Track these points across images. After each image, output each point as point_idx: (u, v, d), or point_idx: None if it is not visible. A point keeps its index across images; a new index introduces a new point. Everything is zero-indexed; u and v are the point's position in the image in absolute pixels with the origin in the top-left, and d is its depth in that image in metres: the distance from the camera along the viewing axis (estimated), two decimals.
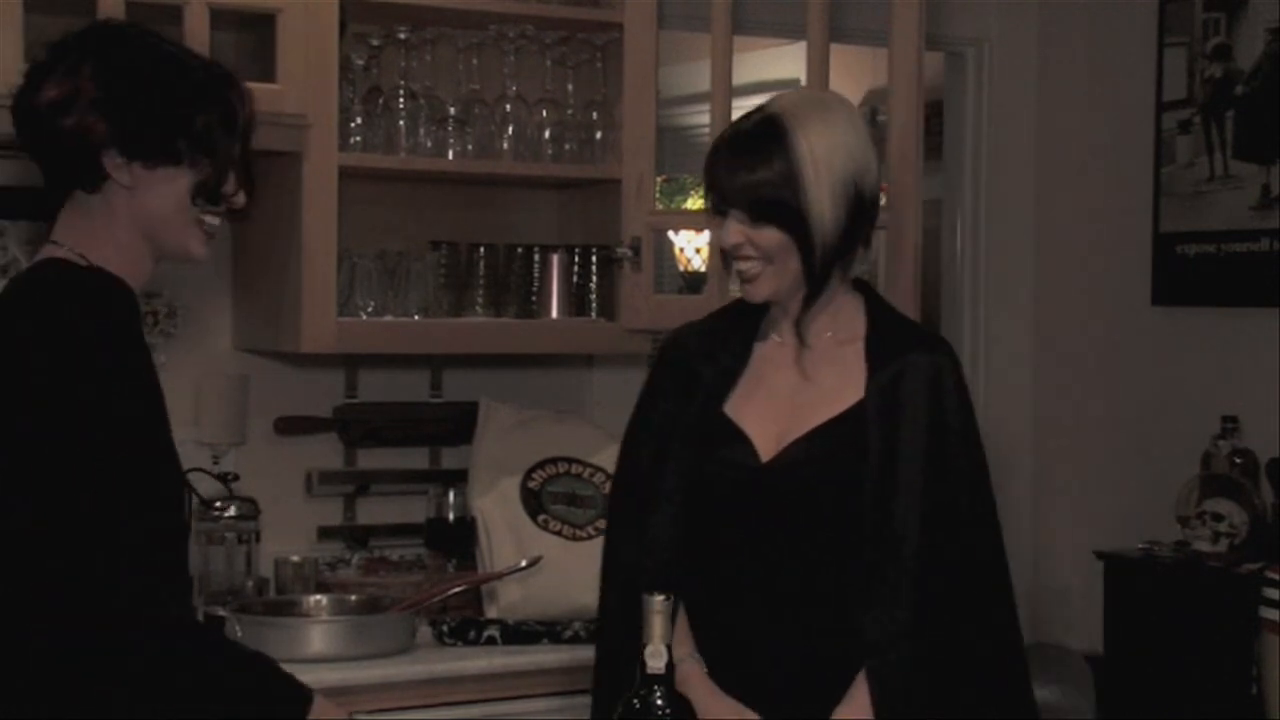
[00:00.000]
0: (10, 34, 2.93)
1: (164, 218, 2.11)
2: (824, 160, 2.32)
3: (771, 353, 2.45)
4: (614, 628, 2.47)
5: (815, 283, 2.37)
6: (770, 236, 2.34)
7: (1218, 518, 4.01)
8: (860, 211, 2.36)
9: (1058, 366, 4.72)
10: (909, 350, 2.38)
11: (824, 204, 2.33)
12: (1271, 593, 3.35)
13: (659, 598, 2.19)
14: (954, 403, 2.36)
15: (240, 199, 2.16)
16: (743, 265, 2.37)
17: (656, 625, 2.19)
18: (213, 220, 2.15)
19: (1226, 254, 4.23)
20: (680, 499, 2.41)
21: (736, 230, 2.35)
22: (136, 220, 2.11)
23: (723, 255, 2.43)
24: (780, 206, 2.32)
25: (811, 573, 2.34)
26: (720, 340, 2.48)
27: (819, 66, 3.42)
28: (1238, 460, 4.08)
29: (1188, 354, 4.37)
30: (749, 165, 2.33)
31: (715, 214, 2.39)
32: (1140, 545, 4.14)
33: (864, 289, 2.47)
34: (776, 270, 2.36)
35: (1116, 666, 4.16)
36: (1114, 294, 4.58)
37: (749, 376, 2.45)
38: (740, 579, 2.38)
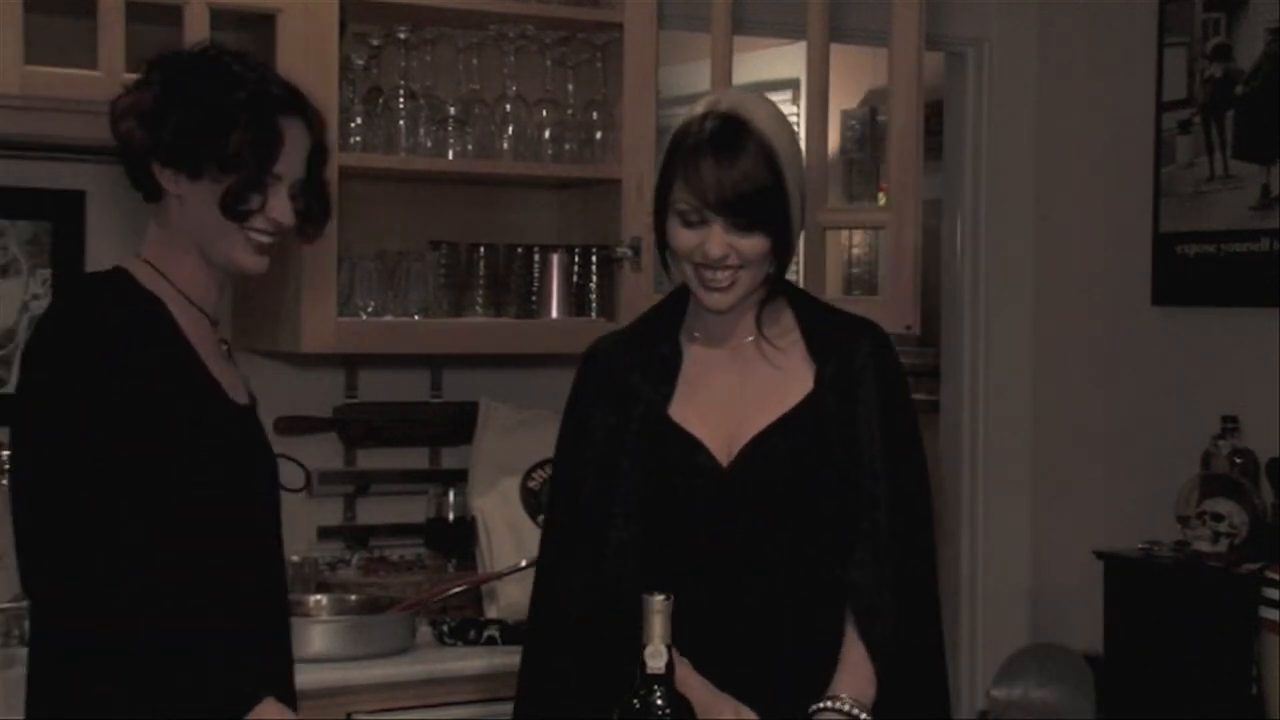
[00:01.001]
0: (10, 34, 2.94)
1: (208, 228, 2.19)
2: (790, 156, 2.33)
3: (703, 354, 2.42)
4: (542, 658, 2.41)
5: (779, 281, 2.39)
6: (756, 244, 2.31)
7: (1218, 518, 4.00)
8: (806, 205, 2.39)
9: (1058, 366, 4.72)
10: (845, 337, 2.41)
11: (798, 204, 2.34)
12: (1271, 593, 3.36)
13: (659, 597, 2.18)
14: (896, 380, 2.43)
15: (284, 217, 2.22)
16: (721, 274, 2.32)
17: (656, 625, 2.19)
18: (260, 235, 2.21)
19: (1226, 254, 4.23)
20: (638, 512, 2.36)
21: (722, 241, 2.30)
22: (189, 230, 2.21)
23: (692, 266, 2.33)
24: (769, 210, 2.30)
25: (785, 568, 2.34)
26: (646, 347, 2.44)
27: (819, 66, 3.42)
28: (1238, 460, 4.08)
29: (1188, 354, 4.37)
30: (740, 164, 2.28)
31: (685, 226, 2.32)
32: (1140, 545, 4.14)
33: (784, 283, 2.45)
34: (749, 276, 2.34)
35: (1116, 666, 4.16)
36: (1114, 294, 4.57)
37: (685, 380, 2.41)
38: (713, 584, 2.35)
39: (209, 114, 2.15)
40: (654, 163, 3.51)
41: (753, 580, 2.35)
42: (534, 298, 3.63)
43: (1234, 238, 4.20)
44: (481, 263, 3.61)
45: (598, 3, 3.64)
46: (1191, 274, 4.33)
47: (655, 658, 2.19)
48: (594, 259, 3.64)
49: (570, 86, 3.63)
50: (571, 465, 2.44)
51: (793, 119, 6.20)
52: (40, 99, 2.97)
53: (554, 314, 3.61)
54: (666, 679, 2.20)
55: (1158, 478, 4.30)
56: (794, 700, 2.33)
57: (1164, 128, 4.40)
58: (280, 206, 2.21)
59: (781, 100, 6.23)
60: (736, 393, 2.39)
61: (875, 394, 2.38)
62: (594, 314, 3.64)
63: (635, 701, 2.20)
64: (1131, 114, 4.50)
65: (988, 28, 4.66)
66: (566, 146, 3.61)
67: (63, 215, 3.39)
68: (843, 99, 6.06)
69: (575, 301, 3.64)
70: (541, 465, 3.49)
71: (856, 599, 2.33)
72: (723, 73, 3.44)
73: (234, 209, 2.17)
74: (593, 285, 3.65)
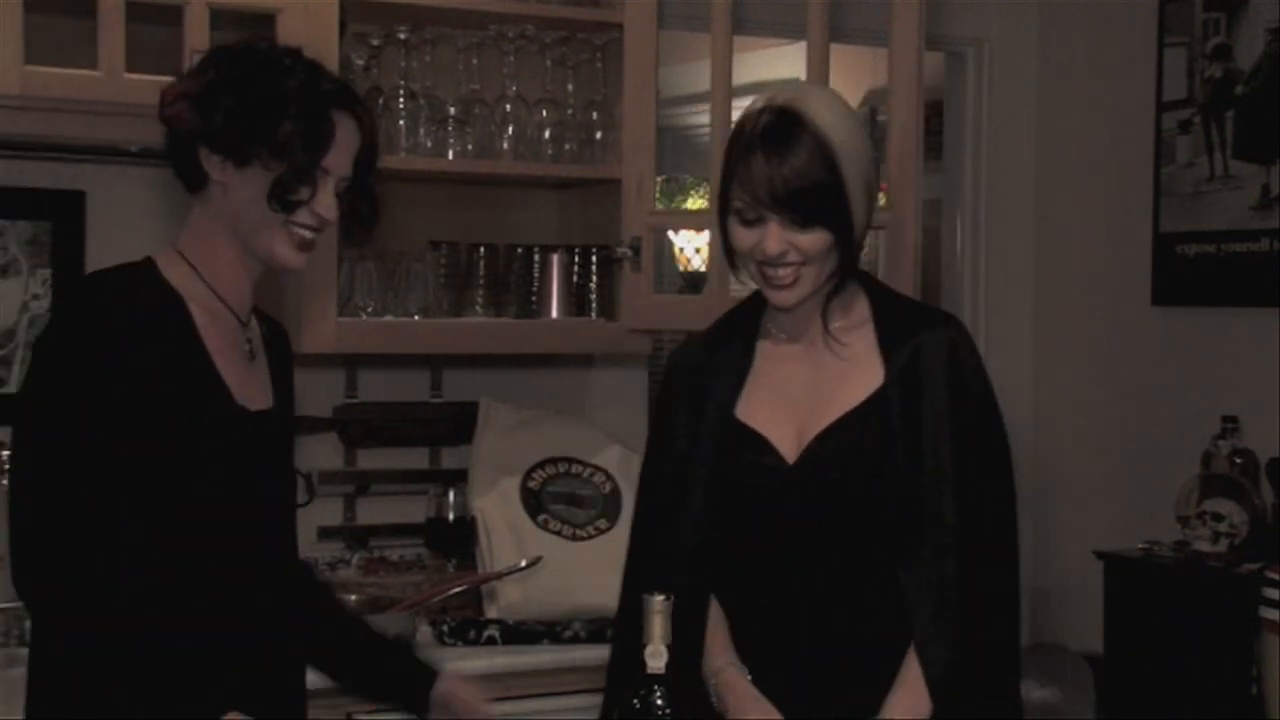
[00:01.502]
0: (10, 34, 2.93)
1: (250, 219, 2.16)
2: (851, 148, 2.28)
3: (776, 351, 2.41)
4: (627, 655, 2.40)
5: (846, 276, 2.34)
6: (817, 239, 2.27)
7: (1218, 518, 4.00)
8: (874, 199, 2.34)
9: (1058, 366, 4.72)
10: (919, 329, 2.34)
11: (859, 195, 2.29)
12: (1271, 593, 3.35)
13: (659, 598, 2.18)
14: (971, 374, 2.35)
15: (329, 212, 2.19)
16: (783, 271, 2.29)
17: (656, 625, 2.19)
18: (303, 230, 2.18)
19: (1226, 254, 4.23)
20: (709, 516, 2.36)
21: (779, 238, 2.27)
22: (229, 220, 2.17)
23: (755, 264, 2.31)
24: (826, 206, 2.26)
25: (845, 569, 2.31)
26: (721, 348, 2.44)
27: (819, 66, 3.42)
28: (1238, 460, 4.08)
29: (1188, 354, 4.37)
30: (791, 161, 2.25)
31: (744, 224, 2.30)
32: (1140, 545, 4.14)
33: (859, 275, 2.42)
34: (813, 272, 2.30)
35: (1116, 666, 4.16)
36: (1114, 294, 4.57)
37: (756, 377, 2.40)
38: (780, 582, 2.34)
39: (261, 100, 2.12)
40: (654, 163, 3.53)
41: (812, 580, 2.32)
42: (534, 298, 3.63)
43: (1234, 238, 4.20)
44: (481, 263, 3.61)
45: (598, 3, 3.64)
46: (1191, 274, 4.33)
47: (655, 658, 2.19)
48: (594, 259, 3.64)
49: (570, 86, 3.63)
50: (650, 472, 2.46)
51: None
52: (40, 99, 2.96)
53: (554, 314, 3.61)
54: (666, 679, 2.19)
55: (1158, 478, 4.30)
56: (848, 703, 2.30)
57: (1164, 128, 4.40)
58: (326, 201, 2.18)
59: None
60: (808, 388, 2.36)
61: (946, 390, 2.32)
62: (594, 314, 3.64)
63: (635, 701, 2.20)
64: (1131, 114, 4.50)
65: (988, 28, 4.66)
66: (566, 146, 3.61)
67: (63, 215, 3.40)
68: None
69: (575, 301, 3.64)
70: (541, 465, 3.49)
71: (917, 613, 2.27)
72: (723, 73, 3.44)
73: (282, 198, 2.14)
74: (593, 285, 3.65)
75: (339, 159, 2.18)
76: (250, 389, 2.22)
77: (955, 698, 2.27)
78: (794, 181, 2.25)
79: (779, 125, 2.27)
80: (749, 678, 2.35)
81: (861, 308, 2.39)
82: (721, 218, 2.34)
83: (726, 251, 2.36)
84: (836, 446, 2.32)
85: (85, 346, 2.06)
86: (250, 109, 2.12)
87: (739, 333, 2.44)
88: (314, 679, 2.37)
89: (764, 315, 2.44)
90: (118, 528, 2.02)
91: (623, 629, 2.47)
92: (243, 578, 2.17)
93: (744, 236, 2.31)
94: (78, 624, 2.03)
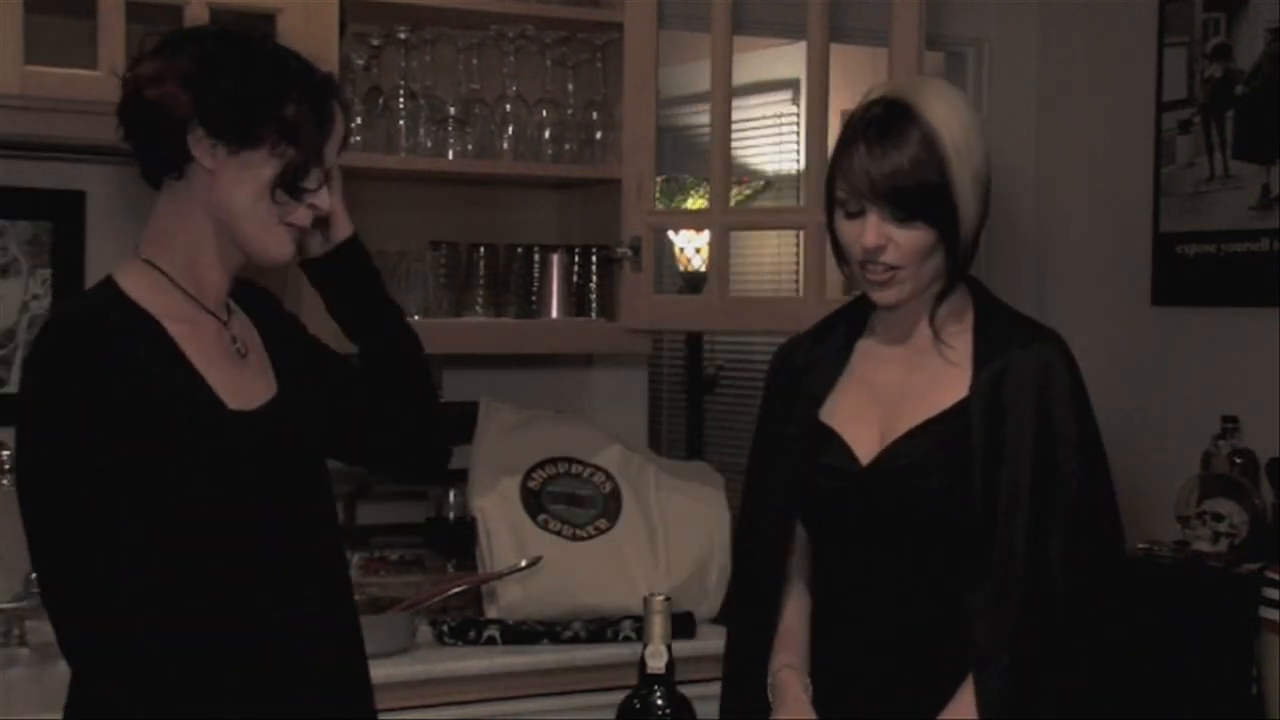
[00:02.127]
0: (10, 34, 2.94)
1: (244, 209, 2.06)
2: (962, 145, 2.23)
3: (874, 350, 2.36)
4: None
5: (955, 277, 2.28)
6: (918, 236, 2.21)
7: (1218, 518, 4.00)
8: (988, 200, 2.28)
9: None
10: (1014, 345, 2.27)
11: (969, 194, 2.24)
12: (1271, 593, 3.36)
13: (659, 598, 2.19)
14: (1063, 401, 2.25)
15: (324, 200, 2.11)
16: (879, 268, 2.24)
17: (656, 625, 2.19)
18: (298, 223, 2.10)
19: (1226, 254, 4.23)
20: (787, 510, 2.35)
21: (878, 230, 2.21)
22: (216, 211, 2.06)
23: (857, 262, 2.27)
24: (929, 201, 2.20)
25: (910, 578, 2.26)
26: (822, 344, 2.40)
27: (819, 66, 3.42)
28: (1238, 460, 4.07)
29: (1188, 354, 4.37)
30: (893, 155, 2.20)
31: (846, 217, 2.25)
32: (1140, 545, 4.13)
33: (971, 285, 2.37)
34: (914, 272, 2.24)
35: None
36: (1114, 294, 4.57)
37: (849, 376, 2.36)
38: (844, 585, 2.31)
39: (265, 81, 2.03)
40: (654, 163, 3.53)
41: (871, 587, 2.28)
42: (534, 298, 3.63)
43: (1234, 238, 4.20)
44: (481, 263, 3.61)
45: (598, 3, 3.64)
46: (1191, 274, 4.33)
47: (655, 658, 2.19)
48: (594, 259, 3.64)
49: (570, 86, 3.63)
50: (751, 469, 2.45)
51: (793, 119, 6.21)
52: (40, 99, 2.96)
53: (554, 314, 3.61)
54: (667, 679, 2.20)
55: (1158, 478, 4.30)
56: (906, 705, 2.27)
57: (1164, 128, 4.40)
58: (323, 192, 2.11)
59: (781, 100, 6.23)
60: (897, 391, 2.32)
61: (1033, 410, 2.23)
62: (594, 314, 3.64)
63: (635, 701, 2.20)
64: (1131, 114, 4.50)
65: (988, 28, 4.66)
66: (566, 146, 3.61)
67: (63, 215, 3.40)
68: (843, 99, 6.04)
69: (575, 301, 3.64)
70: (541, 465, 3.49)
71: (976, 642, 2.20)
72: (723, 73, 3.44)
73: (293, 185, 2.05)
74: (593, 285, 3.65)
75: (332, 149, 2.12)
76: (246, 388, 2.13)
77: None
78: (895, 177, 2.20)
79: (886, 117, 2.23)
80: (807, 681, 2.32)
81: (966, 314, 2.34)
82: (828, 213, 2.30)
83: (834, 247, 2.31)
84: (909, 453, 2.27)
85: (64, 393, 1.97)
86: (254, 89, 2.03)
87: (843, 330, 2.41)
88: None
89: (871, 313, 2.39)
90: (118, 528, 1.98)
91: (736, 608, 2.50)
92: (254, 580, 2.10)
93: (846, 229, 2.26)
94: (79, 623, 2.02)
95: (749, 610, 2.42)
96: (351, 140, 3.33)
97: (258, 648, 2.11)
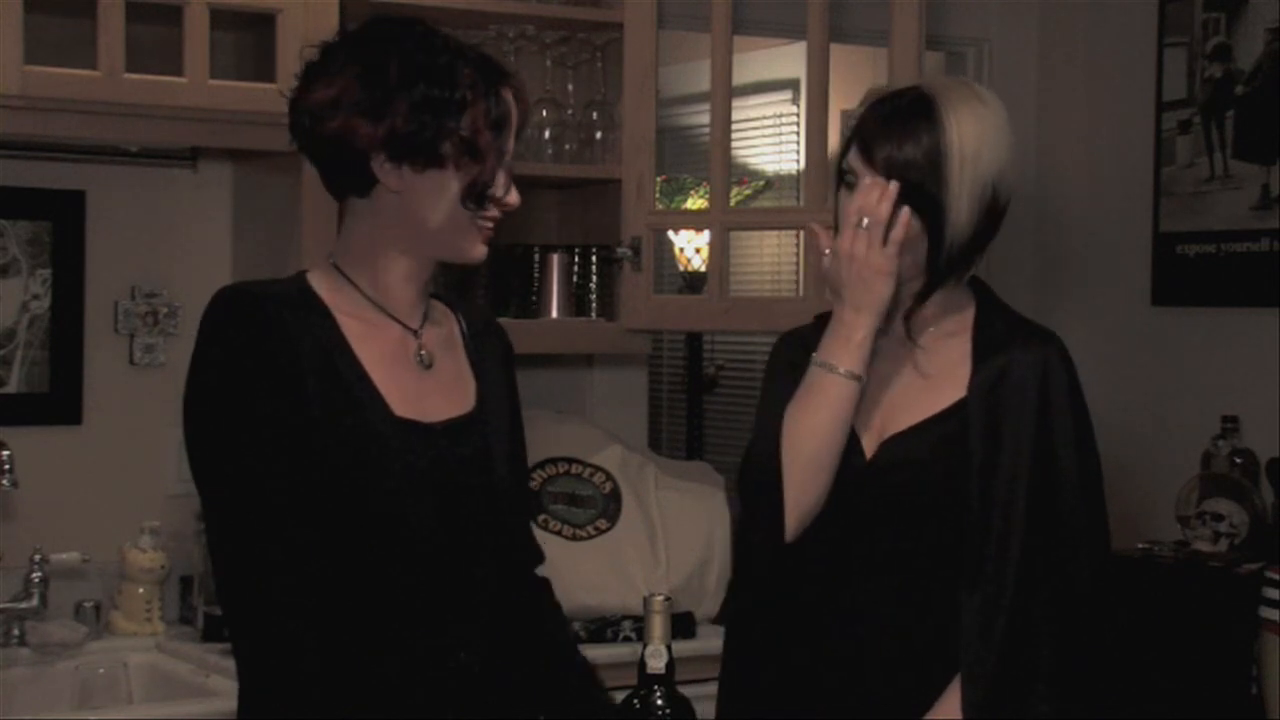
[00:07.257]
0: (10, 34, 2.93)
1: (437, 223, 2.02)
2: (971, 154, 2.23)
3: (878, 342, 2.33)
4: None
5: (935, 279, 2.28)
6: (903, 220, 2.22)
7: (1218, 518, 4.00)
8: (994, 214, 2.27)
9: None
10: (1013, 345, 2.28)
11: (962, 200, 2.23)
12: (1271, 593, 3.36)
13: (659, 598, 2.19)
14: (1062, 402, 2.26)
15: (513, 198, 2.06)
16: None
17: (656, 625, 2.19)
18: (487, 221, 2.06)
19: (1226, 254, 4.23)
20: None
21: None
22: (408, 225, 2.03)
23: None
24: (919, 192, 2.22)
25: (915, 572, 2.26)
26: (822, 331, 2.36)
27: (819, 66, 3.42)
28: (1238, 460, 4.08)
29: (1188, 354, 4.37)
30: (897, 139, 2.22)
31: (846, 189, 2.26)
32: (1140, 545, 4.14)
33: (975, 285, 2.38)
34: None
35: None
36: (1114, 294, 4.57)
37: None
38: (845, 579, 2.30)
39: (441, 96, 1.97)
40: (654, 163, 3.53)
41: (874, 584, 2.27)
42: (534, 298, 3.63)
43: (1234, 238, 4.20)
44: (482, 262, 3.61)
45: (598, 3, 3.64)
46: (1191, 274, 4.33)
47: (655, 658, 2.19)
48: (594, 259, 3.64)
49: (570, 86, 3.63)
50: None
51: (793, 119, 6.21)
52: (40, 99, 2.96)
53: (554, 314, 3.61)
54: (667, 679, 2.20)
55: (1158, 478, 4.30)
56: (898, 702, 2.26)
57: (1164, 128, 4.40)
58: (513, 192, 2.06)
59: (781, 100, 6.23)
60: (902, 382, 2.32)
61: (1032, 413, 2.23)
62: (594, 314, 3.64)
63: (635, 701, 2.20)
64: (1131, 114, 4.50)
65: (988, 28, 4.66)
66: (566, 146, 3.61)
67: (63, 215, 3.39)
68: (843, 99, 6.05)
69: (575, 301, 3.64)
70: (541, 465, 3.48)
71: (963, 645, 2.21)
72: (723, 73, 3.44)
73: (480, 196, 2.01)
74: (593, 285, 3.65)
75: (511, 140, 2.06)
76: (422, 399, 2.06)
77: None
78: (894, 151, 2.22)
79: (908, 107, 2.26)
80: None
81: (967, 315, 2.34)
82: (835, 194, 2.31)
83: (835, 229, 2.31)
84: (909, 450, 2.27)
85: (228, 351, 1.95)
86: (432, 110, 1.97)
87: None
88: None
89: None
90: (277, 531, 1.93)
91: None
92: (417, 597, 2.02)
93: (845, 203, 2.27)
94: (234, 623, 2.00)
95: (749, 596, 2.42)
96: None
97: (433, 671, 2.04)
